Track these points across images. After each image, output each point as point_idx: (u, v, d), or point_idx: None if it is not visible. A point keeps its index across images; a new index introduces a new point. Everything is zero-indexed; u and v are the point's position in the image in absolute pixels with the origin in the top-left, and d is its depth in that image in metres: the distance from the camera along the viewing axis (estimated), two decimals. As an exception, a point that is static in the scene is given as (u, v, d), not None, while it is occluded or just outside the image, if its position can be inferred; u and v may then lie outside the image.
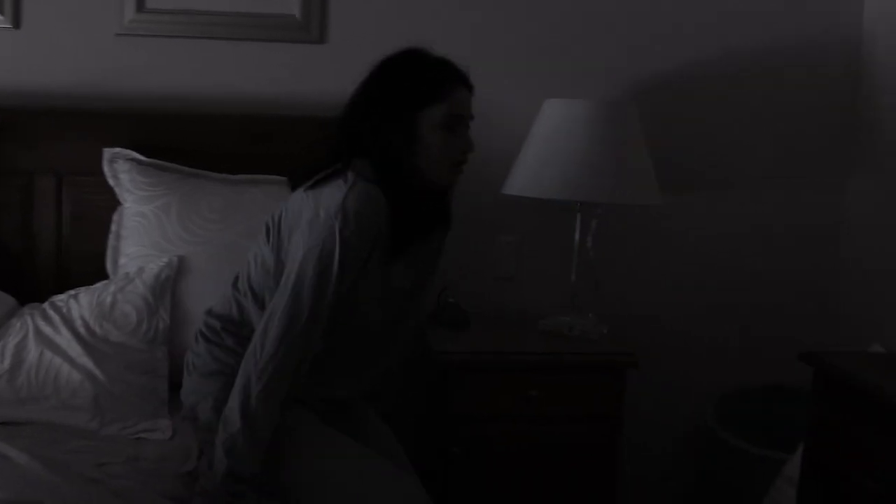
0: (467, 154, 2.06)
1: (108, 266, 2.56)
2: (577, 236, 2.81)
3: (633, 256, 3.08)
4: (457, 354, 2.60)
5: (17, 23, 2.76)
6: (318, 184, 1.98)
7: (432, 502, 2.02)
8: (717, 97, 3.05)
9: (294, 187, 2.09)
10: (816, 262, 3.16)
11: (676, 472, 3.20)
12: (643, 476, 3.09)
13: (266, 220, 2.11)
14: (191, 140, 2.71)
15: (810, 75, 3.08)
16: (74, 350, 2.31)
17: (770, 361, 3.06)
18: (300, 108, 2.83)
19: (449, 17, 2.87)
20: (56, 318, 2.37)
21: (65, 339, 2.33)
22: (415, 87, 1.99)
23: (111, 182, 2.58)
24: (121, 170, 2.56)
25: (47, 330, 2.34)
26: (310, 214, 1.93)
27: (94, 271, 2.55)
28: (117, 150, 2.58)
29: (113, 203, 2.58)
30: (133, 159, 2.57)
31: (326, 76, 2.83)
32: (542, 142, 2.70)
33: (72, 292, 2.45)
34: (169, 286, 2.43)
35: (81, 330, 2.35)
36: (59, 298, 2.44)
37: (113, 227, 2.58)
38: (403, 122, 1.98)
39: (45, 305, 2.42)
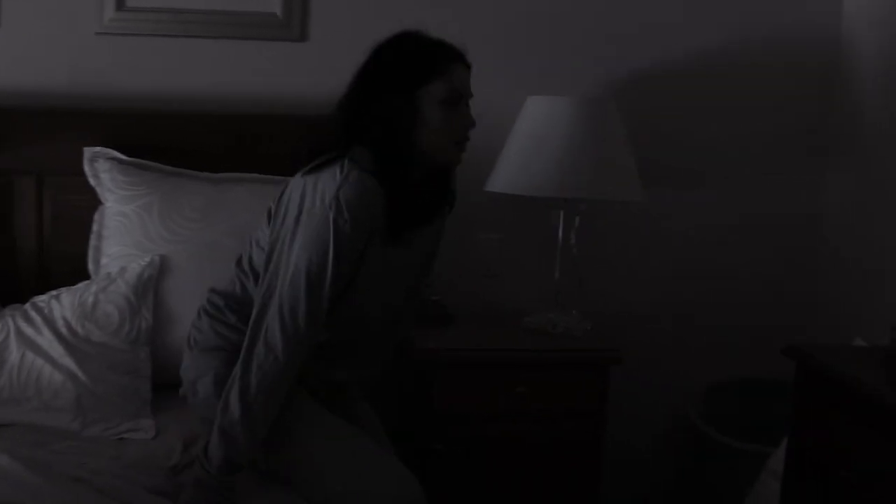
0: (469, 131, 2.06)
1: (90, 266, 2.55)
2: (560, 233, 2.82)
3: (616, 253, 3.09)
4: (440, 352, 2.60)
5: (-4, 22, 2.75)
6: (315, 169, 1.98)
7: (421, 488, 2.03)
8: (697, 93, 3.06)
9: (295, 171, 2.09)
10: (797, 257, 3.17)
11: (660, 467, 3.21)
12: (627, 472, 3.10)
13: (269, 204, 2.12)
14: (172, 139, 2.69)
15: (789, 69, 3.09)
16: (56, 351, 2.29)
17: (753, 356, 3.08)
18: (282, 106, 2.82)
19: (431, 15, 2.83)
20: (38, 318, 2.35)
21: (46, 339, 2.31)
22: (414, 64, 1.99)
23: (92, 181, 2.56)
24: (101, 169, 2.54)
25: (29, 331, 2.33)
26: (306, 203, 1.94)
27: (76, 271, 2.53)
28: (98, 149, 2.57)
29: (94, 203, 2.57)
30: (114, 158, 2.55)
31: (308, 74, 2.82)
32: (525, 139, 2.70)
33: (53, 293, 2.43)
34: (151, 286, 2.42)
35: (63, 330, 2.33)
36: (41, 299, 2.42)
37: (94, 227, 2.56)
38: (404, 100, 1.98)
39: (27, 306, 2.40)
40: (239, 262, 2.16)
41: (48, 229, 2.66)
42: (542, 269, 2.91)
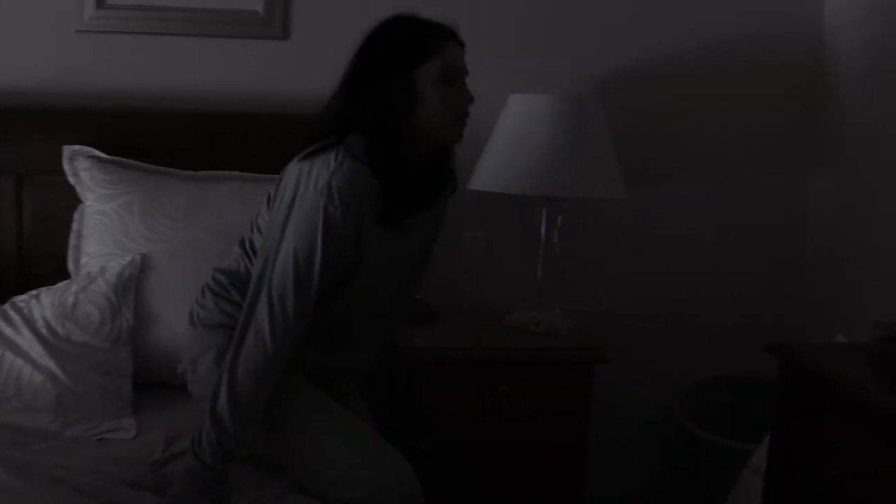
0: (468, 106, 2.07)
1: (70, 265, 2.53)
2: (543, 231, 2.81)
3: (599, 251, 3.09)
4: (424, 350, 2.59)
5: (-26, 20, 2.73)
6: (311, 155, 1.98)
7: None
8: (680, 91, 3.06)
9: (292, 156, 2.09)
10: (781, 254, 3.18)
11: (645, 465, 3.21)
12: (612, 470, 3.10)
13: (269, 190, 2.13)
14: (153, 137, 2.68)
15: (773, 68, 3.10)
16: (36, 351, 2.28)
17: (736, 353, 3.08)
18: (264, 104, 2.81)
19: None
20: (17, 318, 2.33)
21: (26, 339, 2.29)
22: (407, 44, 2.00)
23: (72, 180, 2.55)
24: (81, 168, 2.53)
25: (8, 331, 2.31)
26: (300, 188, 1.94)
27: (56, 271, 2.52)
28: (77, 147, 2.55)
29: (74, 202, 2.55)
30: (94, 157, 2.54)
31: (290, 72, 2.82)
32: (508, 137, 2.70)
33: (33, 293, 2.42)
34: (132, 285, 2.41)
35: (43, 330, 2.32)
36: (21, 299, 2.40)
37: (74, 226, 2.55)
38: (401, 83, 1.98)
39: (6, 306, 2.38)
40: (242, 244, 2.16)
41: (28, 229, 2.64)
42: (524, 268, 2.91)
